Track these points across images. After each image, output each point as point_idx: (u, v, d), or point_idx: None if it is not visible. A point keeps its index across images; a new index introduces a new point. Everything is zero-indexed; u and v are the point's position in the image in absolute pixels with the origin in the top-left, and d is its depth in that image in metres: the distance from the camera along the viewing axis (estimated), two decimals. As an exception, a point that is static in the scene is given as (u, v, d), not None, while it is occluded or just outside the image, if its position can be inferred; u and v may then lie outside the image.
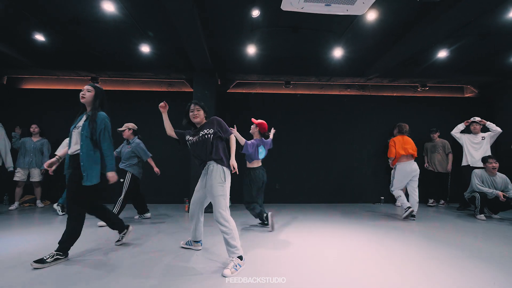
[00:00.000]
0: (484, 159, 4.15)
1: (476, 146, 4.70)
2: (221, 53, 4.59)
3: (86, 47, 4.32)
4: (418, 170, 4.07)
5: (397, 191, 4.16)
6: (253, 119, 3.59)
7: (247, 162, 3.50)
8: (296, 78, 5.27)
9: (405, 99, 5.89)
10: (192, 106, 2.46)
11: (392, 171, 4.39)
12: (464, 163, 4.81)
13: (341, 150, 5.65)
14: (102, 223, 3.32)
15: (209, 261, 2.31)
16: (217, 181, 2.23)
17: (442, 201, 5.28)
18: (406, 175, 4.04)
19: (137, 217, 4.06)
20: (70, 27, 3.67)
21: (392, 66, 4.54)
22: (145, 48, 4.13)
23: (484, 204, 4.09)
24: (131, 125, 3.96)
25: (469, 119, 4.81)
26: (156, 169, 4.05)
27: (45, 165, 2.62)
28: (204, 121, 2.46)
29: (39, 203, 4.75)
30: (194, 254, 2.49)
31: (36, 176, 4.61)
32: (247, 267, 2.15)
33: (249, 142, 3.34)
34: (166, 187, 5.35)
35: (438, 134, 5.33)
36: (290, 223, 3.81)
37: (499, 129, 4.54)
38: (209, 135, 2.31)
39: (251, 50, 4.23)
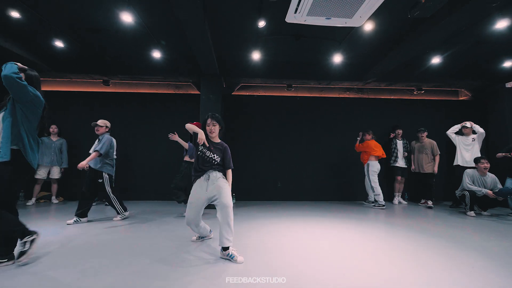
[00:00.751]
0: (477, 160, 4.41)
1: (467, 148, 4.97)
2: (228, 59, 4.86)
3: (101, 53, 4.59)
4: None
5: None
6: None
7: (188, 157, 4.11)
8: (297, 82, 5.54)
9: (402, 102, 6.16)
10: (209, 120, 2.52)
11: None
12: (455, 162, 5.08)
13: (340, 150, 5.92)
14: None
15: (210, 262, 2.28)
16: (224, 181, 2.43)
17: (430, 202, 5.10)
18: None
19: (71, 221, 3.46)
20: (89, 35, 3.93)
21: (389, 71, 4.80)
22: (156, 54, 4.40)
23: (474, 201, 4.35)
24: (108, 123, 3.89)
25: (463, 121, 5.08)
26: (81, 164, 3.42)
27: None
28: (218, 139, 2.57)
29: (54, 199, 5.02)
30: (194, 254, 2.52)
31: (55, 174, 4.92)
32: (247, 267, 2.16)
33: (191, 145, 3.84)
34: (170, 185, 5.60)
35: (426, 134, 5.37)
36: (291, 221, 3.94)
37: (482, 130, 4.90)
38: (214, 161, 2.46)
39: (256, 56, 4.50)
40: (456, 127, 5.12)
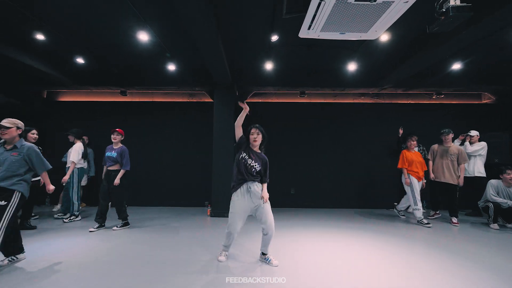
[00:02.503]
0: (502, 170, 4.21)
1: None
2: (240, 69, 4.90)
3: (118, 66, 4.76)
4: None
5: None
6: (118, 129, 3.98)
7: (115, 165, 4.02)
8: (311, 89, 5.49)
9: (420, 107, 5.95)
10: (253, 130, 2.65)
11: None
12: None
13: (355, 157, 5.82)
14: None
15: (210, 262, 2.40)
16: (268, 204, 2.54)
17: (454, 219, 4.36)
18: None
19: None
20: (107, 52, 4.09)
21: (406, 77, 4.66)
22: (171, 67, 4.51)
23: (498, 213, 4.16)
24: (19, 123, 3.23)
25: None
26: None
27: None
28: (259, 150, 2.68)
29: (78, 206, 5.29)
30: (194, 254, 2.71)
31: (83, 181, 5.19)
32: (247, 267, 2.26)
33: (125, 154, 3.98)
34: (186, 192, 5.74)
35: (452, 136, 4.53)
36: (296, 227, 4.04)
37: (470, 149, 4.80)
38: (254, 170, 2.55)
39: (268, 66, 4.50)
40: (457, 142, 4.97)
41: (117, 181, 3.82)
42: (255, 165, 2.54)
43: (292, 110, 5.88)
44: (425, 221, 4.29)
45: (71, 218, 4.35)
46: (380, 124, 5.88)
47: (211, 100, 5.55)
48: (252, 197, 2.52)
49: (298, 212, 5.27)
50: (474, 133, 4.81)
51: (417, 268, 2.54)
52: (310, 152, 5.83)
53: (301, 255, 2.66)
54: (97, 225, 3.88)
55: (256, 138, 2.60)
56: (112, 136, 3.90)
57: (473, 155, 4.87)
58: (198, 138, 5.83)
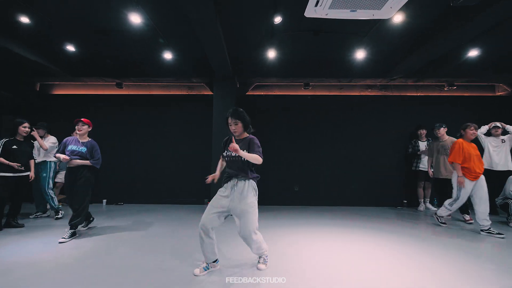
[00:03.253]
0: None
1: (496, 150, 4.44)
2: (241, 58, 4.62)
3: (112, 56, 4.50)
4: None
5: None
6: (84, 119, 3.30)
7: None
8: (315, 80, 5.21)
9: (430, 99, 5.65)
10: (229, 119, 2.28)
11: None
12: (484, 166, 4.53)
13: (362, 152, 5.54)
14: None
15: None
16: (251, 194, 2.19)
17: (467, 216, 4.09)
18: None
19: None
20: (98, 38, 3.84)
21: (419, 66, 4.36)
22: (167, 55, 4.24)
23: (518, 211, 3.87)
24: None
25: (500, 120, 4.54)
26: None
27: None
28: (244, 134, 2.34)
29: (71, 203, 5.06)
30: (194, 255, 2.53)
31: None
32: (247, 267, 2.19)
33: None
34: (185, 189, 5.50)
35: (445, 130, 4.39)
36: (299, 225, 3.85)
37: None
38: (239, 157, 2.19)
39: (271, 54, 4.23)
40: (485, 128, 4.52)
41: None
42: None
43: (296, 103, 5.60)
44: (443, 220, 3.97)
45: (58, 215, 4.15)
46: (388, 118, 5.58)
47: (211, 93, 5.29)
48: (235, 195, 2.19)
49: (302, 210, 5.00)
50: (499, 124, 4.43)
51: (430, 270, 2.32)
52: (315, 148, 5.56)
53: (301, 255, 2.59)
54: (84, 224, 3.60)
55: (235, 128, 2.27)
56: (77, 127, 3.24)
57: (498, 148, 4.45)
58: (198, 132, 5.57)
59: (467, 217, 4.10)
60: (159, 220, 4.08)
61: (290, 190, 5.46)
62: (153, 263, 2.41)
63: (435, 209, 5.12)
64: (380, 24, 3.49)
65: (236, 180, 2.22)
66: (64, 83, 5.62)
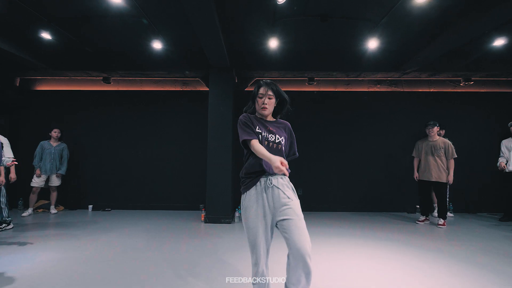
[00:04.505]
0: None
1: None
2: (240, 48, 4.20)
3: (95, 46, 4.06)
4: None
5: None
6: None
7: None
8: (321, 74, 4.77)
9: (444, 95, 5.22)
10: (262, 89, 1.56)
11: None
12: (509, 168, 4.15)
13: (370, 154, 5.11)
14: None
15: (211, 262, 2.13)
16: (294, 192, 1.53)
17: (442, 221, 3.93)
18: None
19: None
20: (76, 23, 3.39)
21: (436, 57, 3.94)
22: (157, 45, 3.80)
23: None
24: None
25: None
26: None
27: None
28: (270, 117, 1.65)
29: (52, 209, 4.60)
30: (194, 256, 2.15)
31: (55, 181, 4.51)
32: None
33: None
34: (179, 193, 5.06)
35: (438, 129, 4.06)
36: (313, 231, 3.40)
37: None
38: (280, 146, 1.54)
39: (273, 43, 3.79)
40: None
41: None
42: (280, 140, 1.54)
43: (299, 100, 5.15)
44: None
45: (2, 226, 3.47)
46: (398, 116, 5.15)
47: (207, 89, 4.85)
48: (274, 197, 1.46)
49: (306, 215, 4.55)
50: None
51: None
52: (320, 148, 5.12)
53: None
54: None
55: (268, 104, 1.55)
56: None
57: None
58: (193, 132, 5.13)
59: (422, 218, 4.14)
60: (146, 230, 3.62)
61: (293, 194, 5.02)
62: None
63: (451, 215, 4.70)
64: (396, 9, 3.06)
65: (270, 177, 1.49)
66: (46, 78, 5.17)
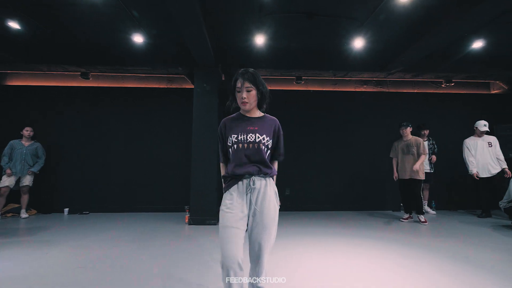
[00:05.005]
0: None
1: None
2: (226, 44, 4.09)
3: (71, 37, 3.82)
4: None
5: None
6: None
7: None
8: (309, 73, 4.75)
9: (427, 96, 5.36)
10: (238, 83, 1.41)
11: None
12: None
13: (357, 152, 5.14)
14: None
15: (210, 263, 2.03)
16: (274, 203, 1.42)
17: (422, 217, 4.01)
18: None
19: None
20: (48, 12, 3.16)
21: (420, 58, 4.01)
22: (138, 38, 3.62)
23: (526, 216, 3.58)
24: None
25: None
26: None
27: None
28: (257, 112, 1.52)
29: (23, 213, 4.27)
30: (194, 256, 2.07)
31: (27, 180, 4.22)
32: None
33: None
34: (163, 194, 4.87)
35: (410, 129, 4.16)
36: (294, 229, 3.51)
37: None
38: (261, 145, 1.41)
39: (260, 40, 3.72)
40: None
41: None
42: (261, 139, 1.40)
43: (287, 99, 5.11)
44: None
45: None
46: (384, 116, 5.22)
47: (193, 86, 4.70)
48: (257, 198, 1.39)
49: (295, 215, 4.51)
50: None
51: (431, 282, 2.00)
52: (307, 148, 5.09)
53: (301, 255, 2.57)
54: None
55: (247, 97, 1.40)
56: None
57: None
58: (177, 131, 4.96)
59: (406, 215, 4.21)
60: (126, 234, 3.43)
61: (281, 194, 4.95)
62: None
63: (434, 212, 4.81)
64: (382, 8, 3.07)
65: (253, 178, 1.39)
66: (18, 72, 4.84)
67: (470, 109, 5.30)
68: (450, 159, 5.04)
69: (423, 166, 4.08)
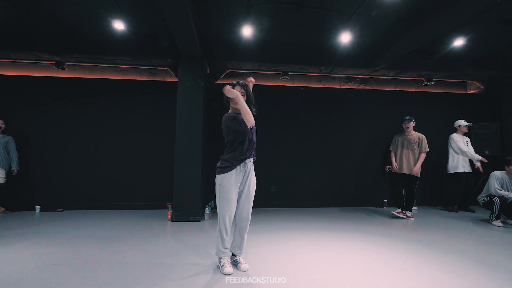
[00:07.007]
0: (508, 161, 3.78)
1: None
2: (212, 35, 3.98)
3: (43, 20, 3.56)
4: None
5: None
6: None
7: None
8: (295, 68, 4.72)
9: (408, 94, 5.49)
10: (237, 87, 2.30)
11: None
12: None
13: (342, 148, 5.17)
14: None
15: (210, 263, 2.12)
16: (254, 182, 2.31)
17: (409, 213, 4.06)
18: None
19: None
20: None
21: (404, 54, 4.08)
22: (118, 25, 3.43)
23: (502, 209, 3.73)
24: None
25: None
26: None
27: None
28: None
29: (-10, 211, 3.95)
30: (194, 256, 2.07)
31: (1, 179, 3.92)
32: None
33: None
34: (145, 191, 4.66)
35: (414, 124, 4.14)
36: (287, 227, 3.39)
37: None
38: (254, 142, 2.35)
39: (247, 31, 3.64)
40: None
41: None
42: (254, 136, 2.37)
43: (273, 94, 5.05)
44: None
45: None
46: (369, 113, 5.29)
47: (176, 80, 4.54)
48: (249, 177, 2.23)
49: (281, 212, 4.46)
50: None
51: (423, 272, 2.10)
52: (292, 144, 5.06)
53: (301, 255, 2.48)
54: None
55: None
56: None
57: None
58: (160, 125, 4.76)
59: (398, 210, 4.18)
60: (103, 231, 3.22)
61: (266, 191, 4.89)
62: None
63: (415, 208, 4.92)
64: (368, 3, 3.08)
65: (249, 160, 2.26)
66: (-16, 59, 4.46)
67: (448, 108, 5.47)
68: (430, 157, 5.18)
69: (420, 163, 4.01)
